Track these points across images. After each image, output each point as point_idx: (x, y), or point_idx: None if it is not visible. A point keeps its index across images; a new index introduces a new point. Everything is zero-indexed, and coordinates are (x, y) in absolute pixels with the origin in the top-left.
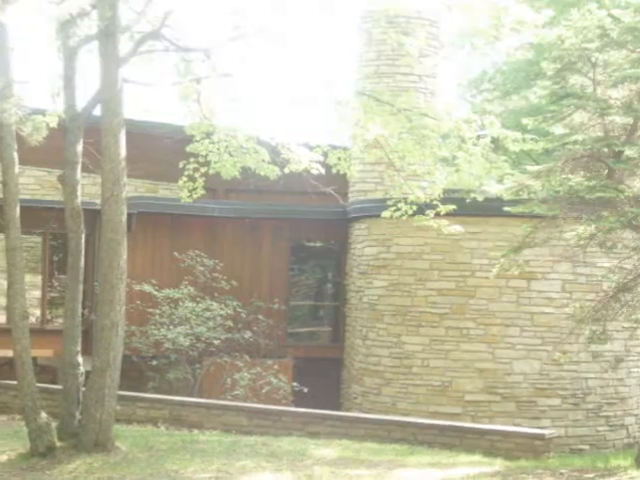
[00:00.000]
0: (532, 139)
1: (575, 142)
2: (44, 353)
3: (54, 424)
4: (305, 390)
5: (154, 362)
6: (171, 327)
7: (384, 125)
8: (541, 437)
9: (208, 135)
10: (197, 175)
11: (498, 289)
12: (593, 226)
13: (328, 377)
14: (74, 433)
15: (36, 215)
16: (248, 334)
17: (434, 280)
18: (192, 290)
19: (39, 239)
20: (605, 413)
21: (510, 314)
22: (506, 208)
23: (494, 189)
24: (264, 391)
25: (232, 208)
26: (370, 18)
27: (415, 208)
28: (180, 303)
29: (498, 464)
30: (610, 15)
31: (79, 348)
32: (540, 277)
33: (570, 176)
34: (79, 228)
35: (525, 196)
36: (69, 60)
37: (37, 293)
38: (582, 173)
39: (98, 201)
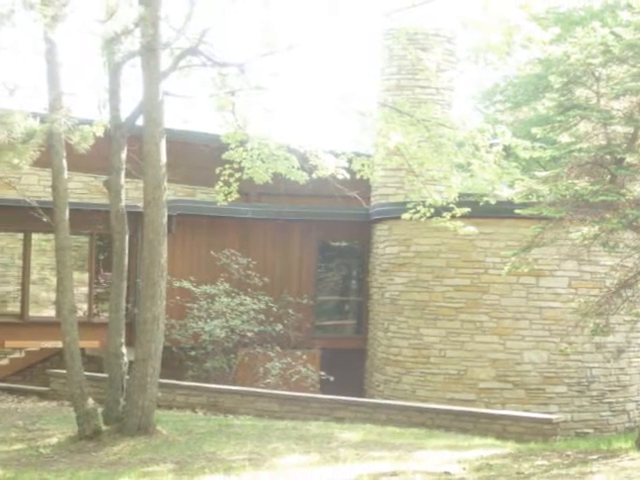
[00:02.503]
0: (541, 147)
1: (580, 150)
2: (91, 344)
3: (100, 410)
4: (331, 378)
5: (192, 353)
6: (208, 320)
7: (404, 134)
8: (549, 422)
9: (242, 143)
10: (232, 180)
11: (509, 285)
12: (597, 227)
13: (352, 366)
14: (118, 418)
15: (83, 217)
16: (279, 327)
17: (450, 277)
18: (227, 286)
19: (86, 239)
20: (608, 399)
21: (520, 308)
22: (517, 210)
23: (505, 193)
24: (294, 379)
25: (264, 210)
26: (391, 35)
27: (433, 210)
28: (216, 298)
29: (509, 446)
30: (612, 33)
31: (123, 340)
32: (548, 274)
33: (575, 181)
34: (123, 229)
35: (534, 199)
36: (114, 74)
37: (84, 289)
38: (586, 178)
39: (140, 204)
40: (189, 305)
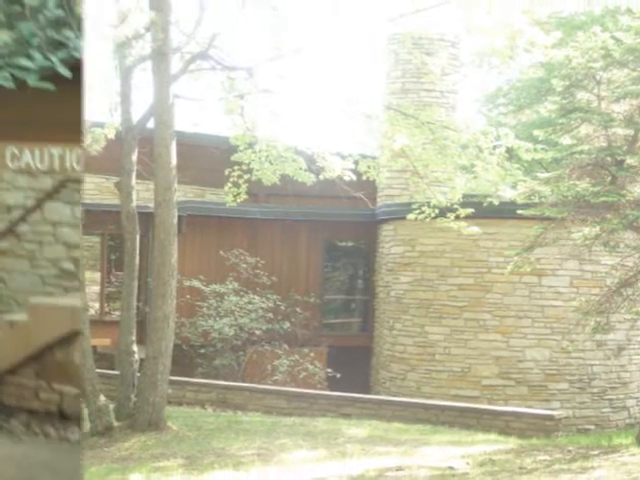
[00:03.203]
0: (543, 149)
1: (581, 152)
2: (103, 342)
3: (112, 406)
4: (338, 376)
5: (202, 350)
6: (217, 318)
7: (409, 136)
8: (551, 418)
9: (251, 145)
10: (241, 181)
11: (512, 284)
12: (598, 227)
13: (359, 364)
14: (130, 414)
15: (95, 217)
16: (287, 325)
17: (454, 276)
18: (236, 285)
19: (98, 239)
20: (609, 396)
21: (523, 307)
22: (519, 211)
23: (508, 194)
24: (301, 376)
25: (272, 211)
26: (396, 40)
27: (437, 211)
28: (225, 297)
29: (512, 442)
30: (613, 37)
31: (134, 337)
32: (550, 273)
33: (577, 182)
34: (134, 229)
35: (536, 200)
36: (125, 77)
37: (96, 288)
38: (588, 180)
39: (151, 205)
40: (199, 304)
